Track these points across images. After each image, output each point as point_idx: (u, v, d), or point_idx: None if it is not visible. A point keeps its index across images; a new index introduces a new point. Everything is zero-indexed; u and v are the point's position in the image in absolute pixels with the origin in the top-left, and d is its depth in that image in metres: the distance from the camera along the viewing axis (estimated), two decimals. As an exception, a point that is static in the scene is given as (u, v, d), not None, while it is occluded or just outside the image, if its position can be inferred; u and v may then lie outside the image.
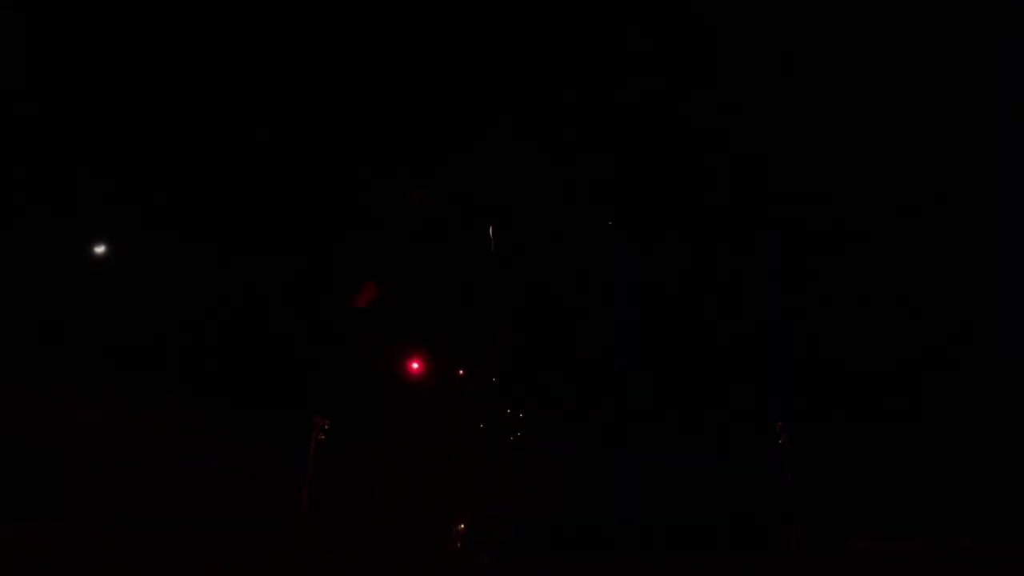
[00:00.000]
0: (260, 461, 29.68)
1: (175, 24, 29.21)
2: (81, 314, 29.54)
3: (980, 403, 31.54)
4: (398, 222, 32.30)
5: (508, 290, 33.88)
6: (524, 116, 31.24)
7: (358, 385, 31.90)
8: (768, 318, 33.07)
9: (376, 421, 31.13)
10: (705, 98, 31.62)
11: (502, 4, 29.12)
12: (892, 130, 32.10)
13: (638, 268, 33.76)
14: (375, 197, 32.07)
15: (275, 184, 31.38)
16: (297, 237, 32.25)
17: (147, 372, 30.36)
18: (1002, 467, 30.59)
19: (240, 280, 31.66)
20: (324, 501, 28.69)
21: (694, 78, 31.32)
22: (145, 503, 28.59)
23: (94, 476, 27.74)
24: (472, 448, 33.39)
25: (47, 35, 28.66)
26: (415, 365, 29.65)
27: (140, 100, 29.63)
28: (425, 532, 31.67)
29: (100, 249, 29.02)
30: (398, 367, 30.43)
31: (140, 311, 30.42)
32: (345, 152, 31.04)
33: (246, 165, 30.67)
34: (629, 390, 33.11)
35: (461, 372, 34.18)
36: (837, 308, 33.28)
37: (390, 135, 31.24)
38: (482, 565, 31.18)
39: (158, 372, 30.38)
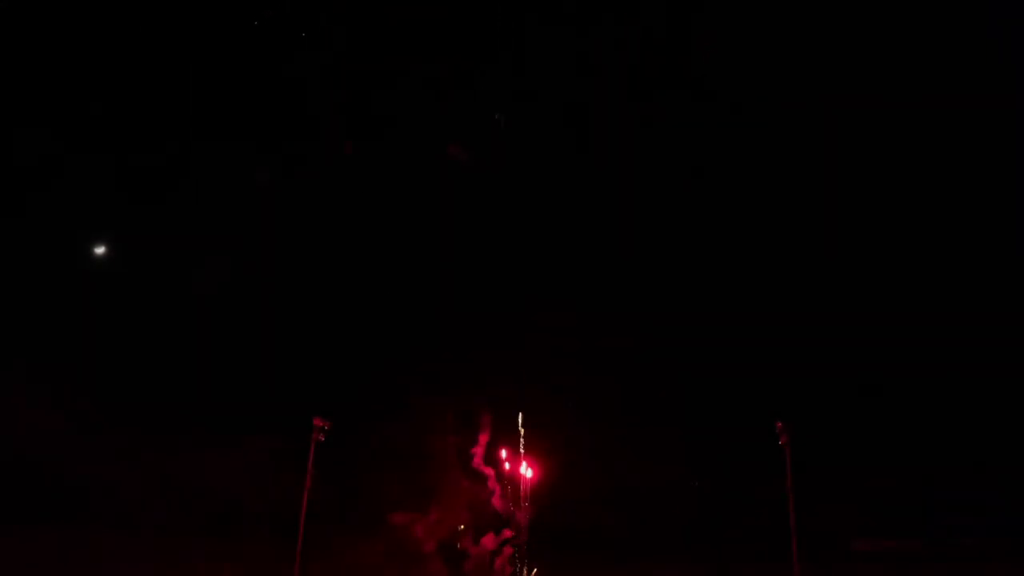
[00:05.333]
0: (262, 461, 29.68)
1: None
2: (77, 311, 29.66)
3: (980, 402, 31.55)
4: None
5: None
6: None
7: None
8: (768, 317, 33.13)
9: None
10: None
11: None
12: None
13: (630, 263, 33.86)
14: None
15: None
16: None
17: (146, 372, 30.41)
18: (1002, 466, 30.60)
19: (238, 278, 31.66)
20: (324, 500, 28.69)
21: None
22: (144, 503, 28.67)
23: (93, 476, 27.81)
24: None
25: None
26: None
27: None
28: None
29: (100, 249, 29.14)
30: None
31: (139, 311, 30.47)
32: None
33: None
34: (626, 388, 33.06)
35: None
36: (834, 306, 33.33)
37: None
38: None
39: (157, 372, 30.42)
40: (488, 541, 31.55)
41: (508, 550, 31.48)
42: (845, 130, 32.78)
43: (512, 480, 32.54)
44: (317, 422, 25.31)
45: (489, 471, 32.46)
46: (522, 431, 32.75)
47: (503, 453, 32.93)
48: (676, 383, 32.96)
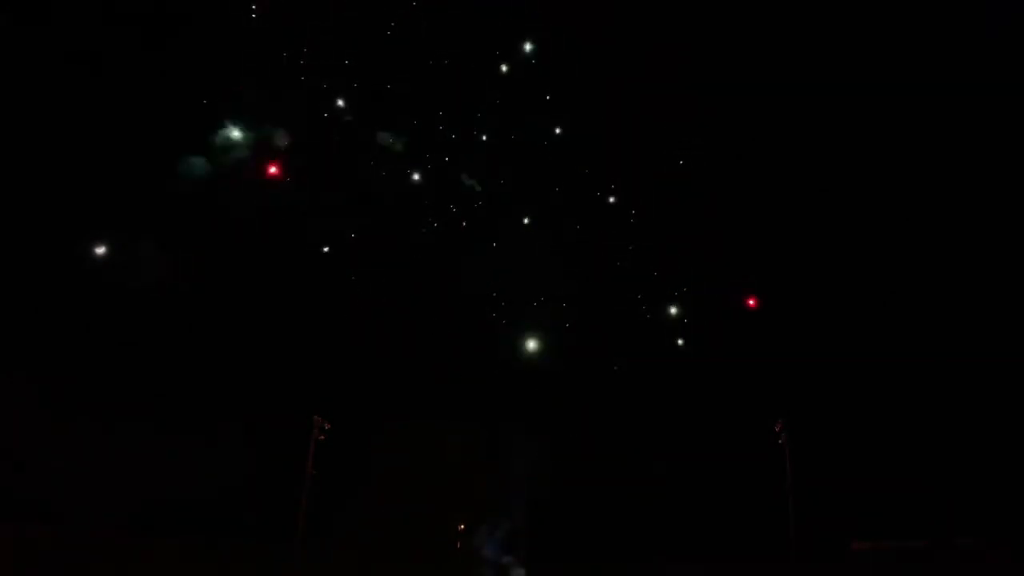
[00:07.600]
0: (260, 461, 29.65)
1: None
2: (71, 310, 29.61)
3: (980, 403, 31.55)
4: None
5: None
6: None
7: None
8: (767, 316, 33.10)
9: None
10: None
11: None
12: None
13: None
14: None
15: None
16: None
17: (147, 372, 30.39)
18: (1002, 467, 30.57)
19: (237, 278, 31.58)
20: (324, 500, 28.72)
21: None
22: (146, 503, 28.67)
23: (94, 477, 27.82)
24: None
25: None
26: None
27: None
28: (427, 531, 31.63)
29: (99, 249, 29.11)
30: None
31: (135, 308, 30.38)
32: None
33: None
34: (626, 388, 33.05)
35: None
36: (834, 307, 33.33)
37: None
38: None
39: (156, 372, 30.39)
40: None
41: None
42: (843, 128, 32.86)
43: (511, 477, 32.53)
44: (317, 420, 25.28)
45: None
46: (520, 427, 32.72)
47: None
48: (675, 383, 32.96)
